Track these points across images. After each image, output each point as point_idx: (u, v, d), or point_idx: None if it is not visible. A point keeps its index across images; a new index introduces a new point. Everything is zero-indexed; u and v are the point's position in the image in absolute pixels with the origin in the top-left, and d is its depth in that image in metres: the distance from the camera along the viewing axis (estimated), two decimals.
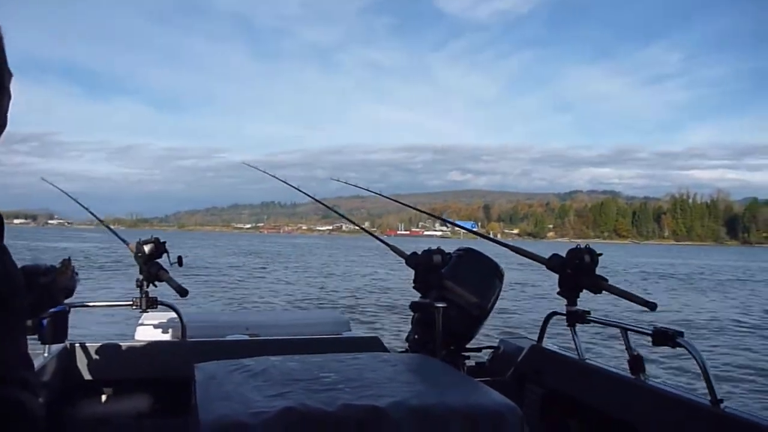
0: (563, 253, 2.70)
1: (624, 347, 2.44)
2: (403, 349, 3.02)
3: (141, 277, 2.95)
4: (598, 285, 2.56)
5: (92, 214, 3.93)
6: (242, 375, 1.95)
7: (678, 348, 2.17)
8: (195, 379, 1.94)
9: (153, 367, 2.88)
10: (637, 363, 2.38)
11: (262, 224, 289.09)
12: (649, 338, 2.26)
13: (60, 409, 2.64)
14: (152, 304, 2.96)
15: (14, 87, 0.95)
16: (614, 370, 2.59)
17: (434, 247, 2.93)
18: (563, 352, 2.93)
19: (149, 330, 3.56)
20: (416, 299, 2.94)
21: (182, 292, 2.80)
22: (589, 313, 2.68)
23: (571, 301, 2.69)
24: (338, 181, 4.38)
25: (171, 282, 2.86)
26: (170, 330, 3.43)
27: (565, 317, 2.73)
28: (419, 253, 3.00)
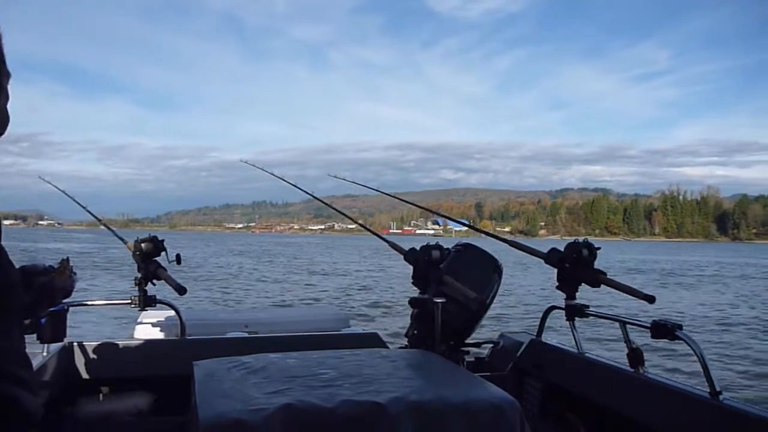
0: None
1: (623, 341, 2.45)
2: (403, 345, 3.03)
3: (139, 275, 2.94)
4: (597, 279, 2.57)
5: (91, 214, 3.91)
6: (241, 372, 1.94)
7: (677, 341, 2.18)
8: (194, 377, 1.94)
9: (152, 366, 2.87)
10: (636, 356, 2.38)
11: (253, 224, 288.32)
12: (648, 331, 2.26)
13: (59, 407, 2.63)
14: (151, 302, 2.96)
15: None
16: (613, 363, 2.60)
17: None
18: (562, 347, 2.93)
19: (148, 328, 3.55)
20: (415, 295, 2.95)
21: (181, 291, 2.80)
22: (588, 307, 2.68)
23: (570, 295, 2.69)
24: (336, 177, 4.38)
25: (170, 280, 2.85)
26: (169, 328, 3.42)
27: (564, 311, 2.74)
28: (418, 248, 3.01)
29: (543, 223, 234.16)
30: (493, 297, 2.98)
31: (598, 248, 2.66)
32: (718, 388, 2.00)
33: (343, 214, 4.82)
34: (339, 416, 1.63)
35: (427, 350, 2.53)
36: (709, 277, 32.47)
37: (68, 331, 2.58)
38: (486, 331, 3.40)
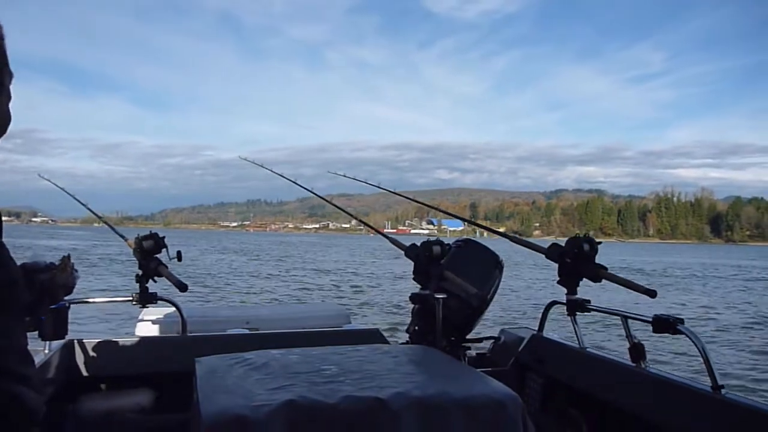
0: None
1: (624, 335, 2.45)
2: (404, 341, 3.03)
3: (140, 272, 2.94)
4: (598, 273, 2.57)
5: (92, 211, 3.92)
6: (243, 369, 1.95)
7: (678, 335, 2.18)
8: (196, 374, 1.94)
9: (153, 362, 2.87)
10: (637, 351, 2.39)
11: (248, 222, 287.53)
12: (650, 326, 2.26)
13: (61, 405, 2.63)
14: (152, 299, 2.96)
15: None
16: (615, 358, 2.60)
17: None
18: (564, 341, 2.94)
19: (149, 325, 3.56)
20: (416, 291, 2.95)
21: (182, 287, 2.79)
22: (589, 301, 2.68)
23: (571, 290, 2.70)
24: (336, 174, 4.39)
25: (171, 277, 2.85)
26: (170, 325, 3.41)
27: (565, 306, 2.74)
28: (418, 244, 3.02)
29: (537, 224, 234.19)
30: (494, 292, 2.98)
31: (599, 242, 2.66)
32: (719, 382, 2.00)
33: (347, 213, 4.82)
34: (341, 412, 1.63)
35: (428, 346, 2.53)
36: (692, 278, 32.57)
37: (70, 328, 2.57)
38: (487, 326, 3.41)
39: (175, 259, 2.96)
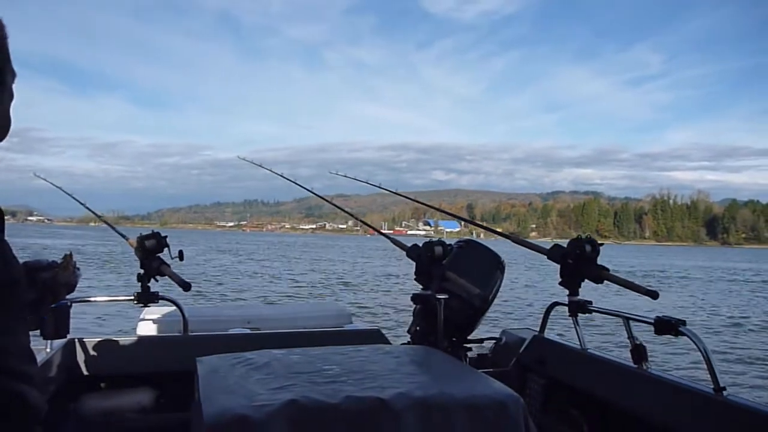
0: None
1: (626, 336, 2.45)
2: (405, 341, 3.03)
3: (142, 271, 2.93)
4: (600, 275, 2.57)
5: (92, 211, 3.92)
6: (244, 368, 1.94)
7: (680, 337, 2.18)
8: (197, 373, 1.93)
9: (155, 362, 2.87)
10: (639, 352, 2.39)
11: (245, 222, 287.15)
12: (651, 327, 2.27)
13: (62, 403, 2.63)
14: (153, 298, 2.96)
15: None
16: (616, 359, 2.60)
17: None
18: (565, 342, 2.94)
19: (150, 325, 3.55)
20: (417, 291, 2.95)
21: (185, 287, 2.79)
22: (590, 302, 2.68)
23: (573, 291, 2.70)
24: (338, 174, 4.40)
25: (174, 276, 2.85)
26: (171, 324, 3.40)
27: (566, 307, 2.74)
28: (420, 245, 3.02)
29: (534, 226, 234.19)
30: (496, 293, 2.98)
31: (601, 244, 2.66)
32: (722, 384, 2.00)
33: (350, 214, 4.84)
34: (343, 412, 1.63)
35: (430, 346, 2.53)
36: (691, 279, 32.65)
37: (71, 327, 2.57)
38: (489, 327, 3.41)
39: (177, 259, 2.96)
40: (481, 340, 3.16)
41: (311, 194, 4.51)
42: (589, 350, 2.76)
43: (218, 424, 1.56)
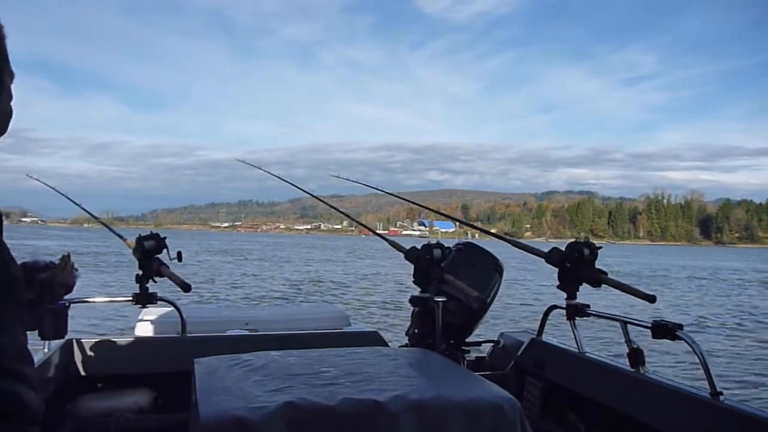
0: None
1: (624, 340, 2.45)
2: (403, 344, 3.04)
3: (140, 272, 2.93)
4: (598, 278, 2.57)
5: (89, 213, 3.91)
6: (242, 370, 1.95)
7: (677, 341, 2.19)
8: (195, 374, 1.94)
9: (153, 363, 2.87)
10: (636, 356, 2.39)
11: (239, 223, 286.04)
12: (649, 331, 2.27)
13: (60, 404, 2.63)
14: (151, 299, 2.96)
15: None
16: (614, 363, 2.60)
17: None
18: (563, 346, 2.94)
19: (149, 325, 3.55)
20: (416, 293, 2.96)
21: (185, 288, 2.80)
22: (588, 306, 2.69)
23: (571, 294, 2.70)
24: (338, 177, 4.40)
25: (173, 277, 2.85)
26: (170, 325, 3.40)
27: (564, 311, 2.75)
28: (418, 247, 3.03)
29: (528, 226, 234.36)
30: (494, 296, 2.99)
31: (599, 248, 2.67)
32: (718, 389, 2.01)
33: (346, 215, 4.84)
34: (340, 414, 1.64)
35: (427, 349, 2.54)
36: (689, 280, 32.78)
37: (69, 327, 2.57)
38: (487, 330, 3.42)
39: (176, 260, 2.96)
40: (479, 343, 3.17)
41: (306, 194, 4.51)
42: (586, 354, 2.77)
43: (215, 425, 1.57)
